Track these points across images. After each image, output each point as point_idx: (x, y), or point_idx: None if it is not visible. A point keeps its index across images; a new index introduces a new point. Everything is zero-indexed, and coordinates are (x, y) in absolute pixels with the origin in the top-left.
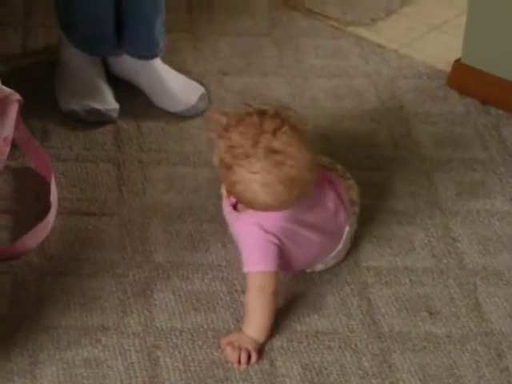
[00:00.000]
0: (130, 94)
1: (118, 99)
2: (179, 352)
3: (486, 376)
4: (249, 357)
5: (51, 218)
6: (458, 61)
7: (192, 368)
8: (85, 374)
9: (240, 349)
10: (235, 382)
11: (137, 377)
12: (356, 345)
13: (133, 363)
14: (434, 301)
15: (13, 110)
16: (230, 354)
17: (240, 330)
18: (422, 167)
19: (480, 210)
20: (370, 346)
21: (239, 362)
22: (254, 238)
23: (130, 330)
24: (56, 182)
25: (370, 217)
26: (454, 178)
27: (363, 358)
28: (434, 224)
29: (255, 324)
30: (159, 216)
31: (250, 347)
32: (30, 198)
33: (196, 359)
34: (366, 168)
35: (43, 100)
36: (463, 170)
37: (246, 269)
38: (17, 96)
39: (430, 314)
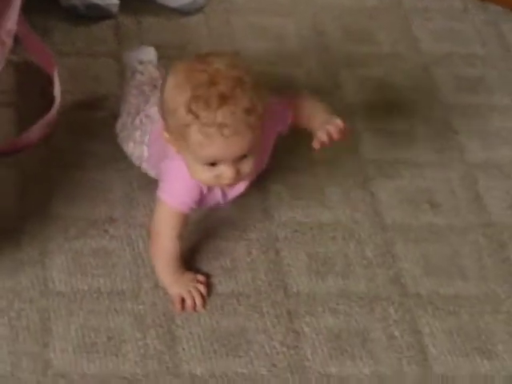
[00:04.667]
0: None
1: None
2: None
3: (488, 265)
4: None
5: (55, 110)
6: None
7: (198, 254)
8: (93, 264)
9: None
10: (242, 271)
11: (145, 266)
12: (360, 235)
13: (140, 253)
14: (435, 193)
15: (15, 4)
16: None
17: None
18: (421, 62)
19: (479, 104)
20: (373, 237)
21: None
22: (183, 174)
23: (136, 221)
24: (58, 77)
25: (370, 111)
26: (453, 72)
27: (367, 249)
28: (434, 117)
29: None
30: None
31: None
32: (34, 92)
33: (204, 245)
34: (365, 64)
35: None
36: (462, 66)
37: (165, 197)
38: None
39: (432, 205)
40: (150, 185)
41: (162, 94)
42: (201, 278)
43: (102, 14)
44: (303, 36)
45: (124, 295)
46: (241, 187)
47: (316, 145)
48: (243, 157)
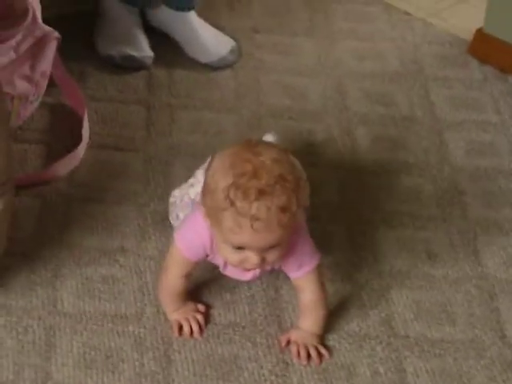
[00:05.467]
0: (164, 44)
1: (152, 48)
2: None
3: (477, 314)
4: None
5: (82, 149)
6: (479, 29)
7: (201, 286)
8: (102, 289)
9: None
10: (241, 305)
11: (149, 294)
12: (357, 280)
13: (147, 283)
14: (434, 245)
15: (51, 47)
16: None
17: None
18: (436, 126)
19: (487, 167)
20: (370, 282)
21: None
22: (199, 230)
23: (146, 253)
24: (89, 119)
25: (381, 168)
26: (465, 137)
27: (362, 292)
28: (441, 177)
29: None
30: (183, 154)
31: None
32: (64, 132)
33: (208, 278)
34: (381, 124)
35: (83, 45)
36: (474, 131)
37: (177, 240)
38: (56, 34)
39: (429, 256)
40: (165, 221)
41: (207, 171)
42: (201, 307)
43: (136, 65)
44: (325, 96)
45: (127, 319)
46: (245, 275)
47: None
48: (271, 247)
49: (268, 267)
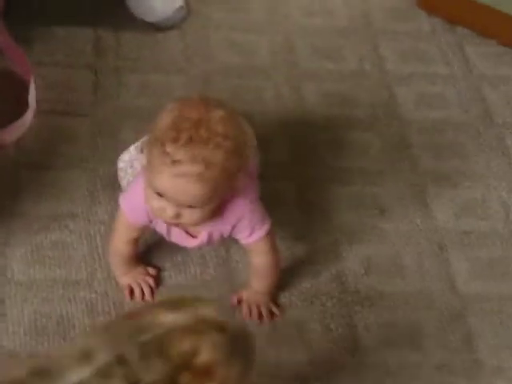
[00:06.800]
0: (111, 5)
1: (99, 10)
2: None
3: (426, 266)
4: None
5: (29, 116)
6: None
7: (152, 250)
8: (52, 256)
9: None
10: (192, 266)
11: (100, 259)
12: (308, 237)
13: (97, 247)
14: (384, 199)
15: None
16: None
17: None
18: (384, 80)
19: (436, 119)
20: (320, 239)
21: None
22: (141, 194)
23: (96, 218)
24: (36, 85)
25: (330, 123)
26: (414, 90)
27: (313, 250)
28: (390, 131)
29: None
30: (131, 117)
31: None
32: (10, 99)
33: (158, 243)
34: (329, 79)
35: (28, 9)
36: (423, 83)
37: (122, 205)
38: None
39: (380, 211)
40: (114, 185)
41: (156, 121)
42: (151, 270)
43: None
44: (274, 52)
45: (78, 285)
46: (191, 242)
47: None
48: (189, 205)
49: (184, 227)
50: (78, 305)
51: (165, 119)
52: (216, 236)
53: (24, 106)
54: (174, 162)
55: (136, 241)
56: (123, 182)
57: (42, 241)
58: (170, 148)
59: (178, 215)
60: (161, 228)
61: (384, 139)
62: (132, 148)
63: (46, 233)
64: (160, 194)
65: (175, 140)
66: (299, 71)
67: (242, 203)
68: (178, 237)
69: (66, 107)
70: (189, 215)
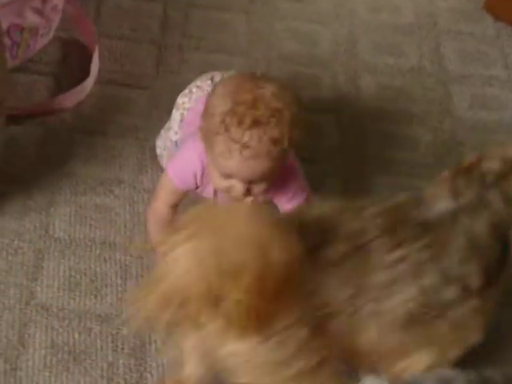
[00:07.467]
0: None
1: None
2: None
3: None
4: None
5: (89, 83)
6: None
7: None
8: (94, 217)
9: None
10: None
11: (140, 225)
12: None
13: (139, 214)
14: None
15: None
16: None
17: None
18: (442, 78)
19: (489, 120)
20: None
21: None
22: (192, 160)
23: (141, 186)
24: (100, 56)
25: (383, 115)
26: (471, 90)
27: None
28: (442, 128)
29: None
30: None
31: None
32: (74, 66)
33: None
34: (387, 73)
35: None
36: (480, 85)
37: (169, 168)
38: None
39: None
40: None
41: (209, 96)
42: None
43: None
44: (336, 43)
45: (115, 246)
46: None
47: None
48: (258, 180)
49: (257, 199)
50: (112, 265)
51: (221, 106)
52: (259, 200)
53: (86, 74)
54: (243, 146)
55: (176, 206)
56: (163, 163)
57: (86, 202)
58: (235, 133)
59: (247, 191)
60: (208, 193)
61: (435, 135)
62: (162, 132)
63: (91, 195)
64: (228, 176)
65: (239, 124)
66: (358, 63)
67: (290, 169)
68: (223, 201)
69: (127, 79)
70: (257, 188)
